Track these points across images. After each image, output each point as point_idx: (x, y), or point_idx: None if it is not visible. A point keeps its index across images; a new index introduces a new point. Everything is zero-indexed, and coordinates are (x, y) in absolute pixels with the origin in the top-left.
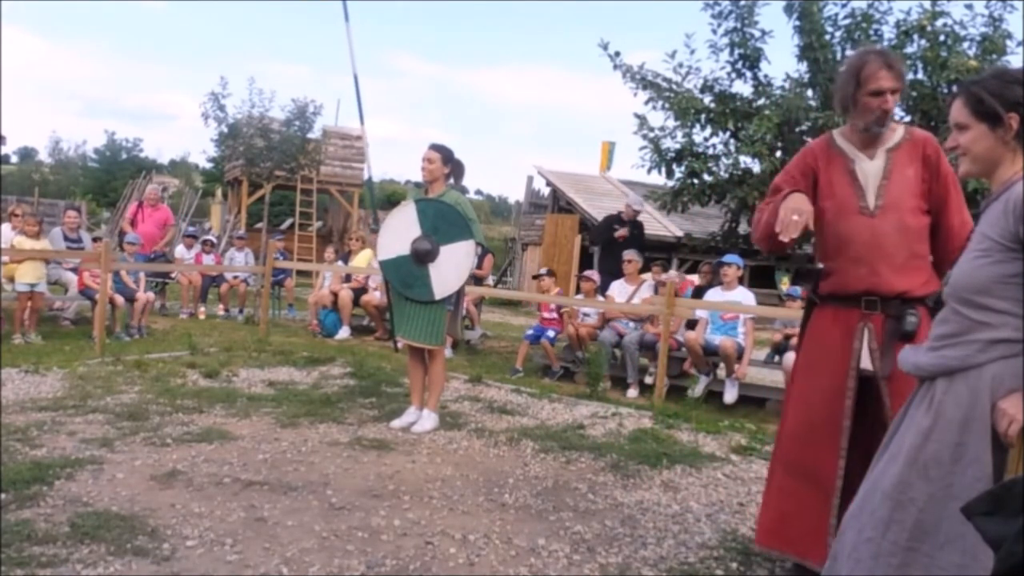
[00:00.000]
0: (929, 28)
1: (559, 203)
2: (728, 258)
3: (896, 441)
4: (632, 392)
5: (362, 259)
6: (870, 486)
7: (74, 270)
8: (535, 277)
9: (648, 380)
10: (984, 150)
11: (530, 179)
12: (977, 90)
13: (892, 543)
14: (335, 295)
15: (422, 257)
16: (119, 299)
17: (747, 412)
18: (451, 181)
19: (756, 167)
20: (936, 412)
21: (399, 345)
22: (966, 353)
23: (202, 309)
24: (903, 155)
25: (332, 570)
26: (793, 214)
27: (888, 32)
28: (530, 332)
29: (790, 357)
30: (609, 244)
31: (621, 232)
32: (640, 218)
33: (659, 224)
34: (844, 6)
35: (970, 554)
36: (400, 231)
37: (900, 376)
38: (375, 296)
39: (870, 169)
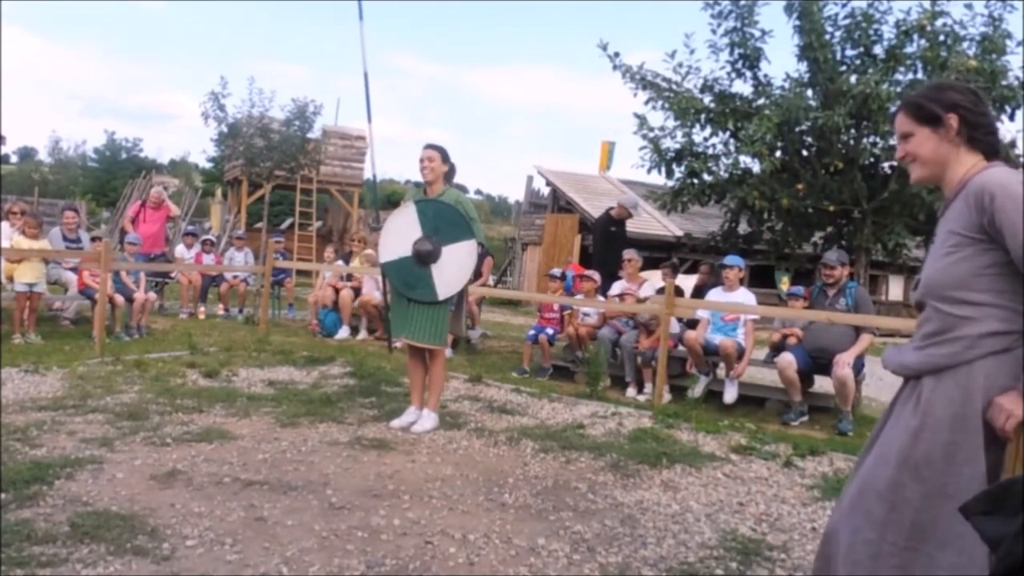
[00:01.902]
0: (929, 28)
1: (559, 203)
2: (730, 260)
3: (883, 440)
4: (630, 391)
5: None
6: (861, 485)
7: (74, 270)
8: (549, 276)
9: (645, 393)
10: (929, 152)
11: (530, 179)
12: (915, 98)
13: (891, 544)
14: (337, 292)
15: (424, 258)
16: (119, 299)
17: (747, 412)
18: (447, 182)
19: (756, 167)
20: (924, 411)
21: (398, 345)
22: (954, 350)
23: (202, 309)
24: None
25: (332, 570)
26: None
27: (888, 32)
28: (531, 332)
29: (786, 357)
30: (606, 244)
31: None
32: (636, 217)
33: (659, 224)
34: (844, 6)
35: (967, 554)
36: (401, 233)
37: None
38: (374, 296)
39: None
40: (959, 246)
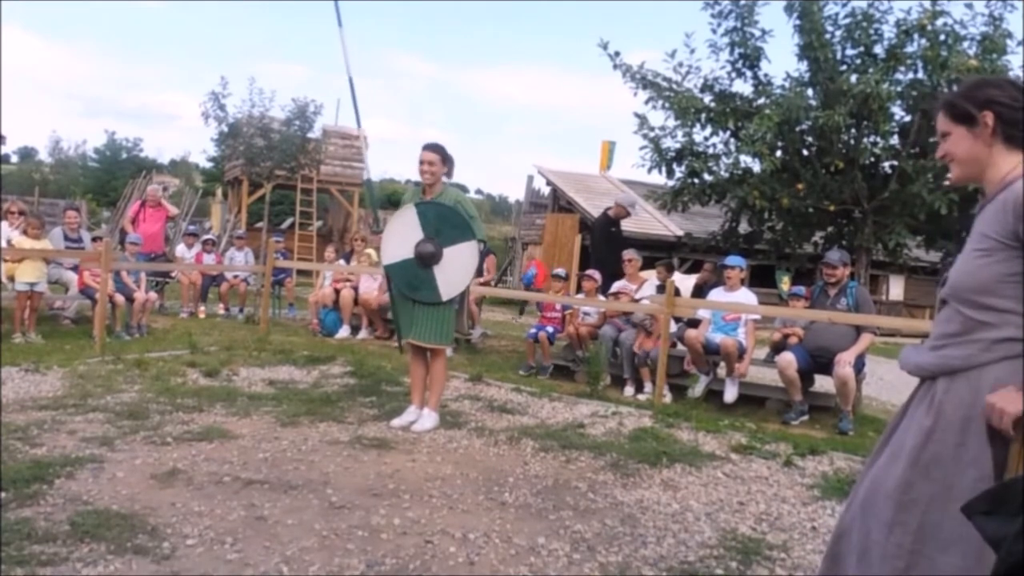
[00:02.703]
0: (929, 27)
1: (559, 202)
2: (731, 260)
3: (896, 441)
4: (628, 390)
5: (362, 260)
6: (872, 487)
7: (74, 269)
8: (554, 276)
9: (645, 392)
10: (966, 151)
11: (530, 178)
12: (951, 96)
13: (897, 545)
14: (337, 292)
15: (426, 260)
16: (119, 298)
17: (747, 411)
18: (446, 178)
19: (756, 166)
20: (937, 412)
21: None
22: (969, 353)
23: (202, 308)
24: None
25: (332, 569)
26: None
27: (888, 32)
28: (531, 331)
29: (786, 357)
30: (606, 244)
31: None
32: (636, 217)
33: (659, 224)
34: (844, 5)
35: (971, 556)
36: (403, 235)
37: None
38: (372, 294)
39: None
40: (990, 251)
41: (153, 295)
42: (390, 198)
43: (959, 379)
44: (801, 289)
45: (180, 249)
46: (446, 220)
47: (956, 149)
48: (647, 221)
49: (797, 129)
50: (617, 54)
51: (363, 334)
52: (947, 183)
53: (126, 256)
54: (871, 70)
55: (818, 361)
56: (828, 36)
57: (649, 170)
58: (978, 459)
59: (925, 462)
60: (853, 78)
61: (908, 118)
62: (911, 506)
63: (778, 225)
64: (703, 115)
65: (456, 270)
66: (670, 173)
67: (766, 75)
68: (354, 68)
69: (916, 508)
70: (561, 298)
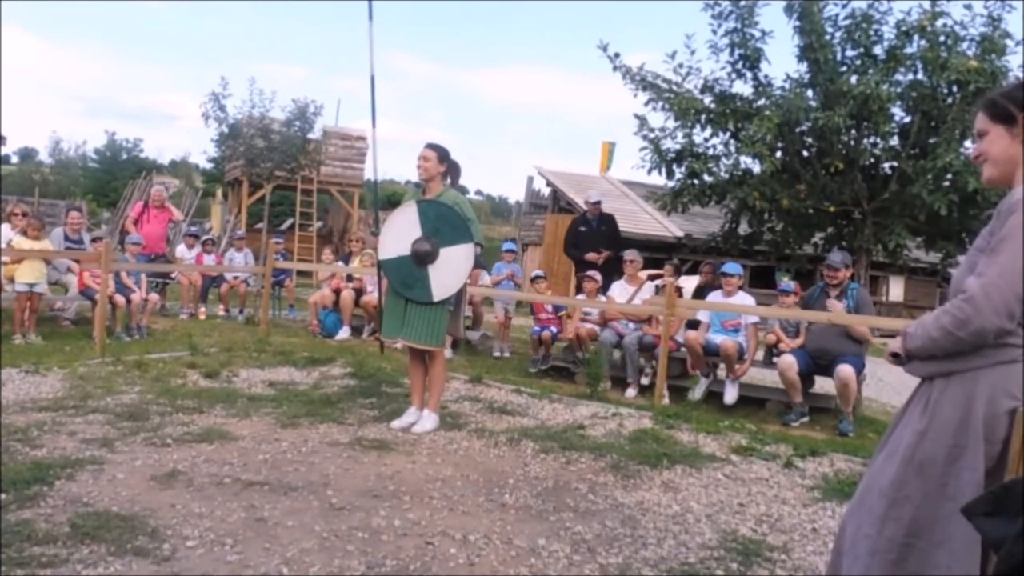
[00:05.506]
0: (929, 28)
1: (559, 203)
2: (728, 268)
3: (894, 439)
4: (631, 392)
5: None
6: (868, 483)
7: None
8: (532, 280)
9: (644, 381)
10: (1000, 151)
11: (530, 179)
12: (992, 95)
13: (888, 539)
14: (337, 294)
15: (422, 258)
16: (119, 299)
17: (747, 412)
18: (447, 181)
19: (756, 167)
20: (932, 412)
21: (398, 346)
22: (965, 355)
23: (202, 309)
24: None
25: (332, 570)
26: None
27: (888, 32)
28: (536, 328)
29: (787, 359)
30: (571, 244)
31: (592, 256)
32: (636, 218)
33: (659, 225)
34: (844, 6)
35: (962, 554)
36: (401, 231)
37: None
38: (374, 296)
39: None
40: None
41: (155, 296)
42: (390, 199)
43: (954, 381)
44: (791, 285)
45: (180, 250)
46: (446, 220)
47: (992, 148)
48: (647, 222)
49: (797, 130)
50: (617, 55)
51: (365, 333)
52: (946, 184)
53: (126, 257)
54: (871, 71)
55: (818, 363)
56: (828, 37)
57: (649, 171)
58: (971, 465)
59: (919, 461)
60: (853, 79)
61: (908, 119)
62: (904, 502)
63: (778, 226)
64: (703, 116)
65: (451, 271)
66: (670, 174)
67: (766, 76)
68: (357, 68)
69: (909, 504)
70: (557, 299)
